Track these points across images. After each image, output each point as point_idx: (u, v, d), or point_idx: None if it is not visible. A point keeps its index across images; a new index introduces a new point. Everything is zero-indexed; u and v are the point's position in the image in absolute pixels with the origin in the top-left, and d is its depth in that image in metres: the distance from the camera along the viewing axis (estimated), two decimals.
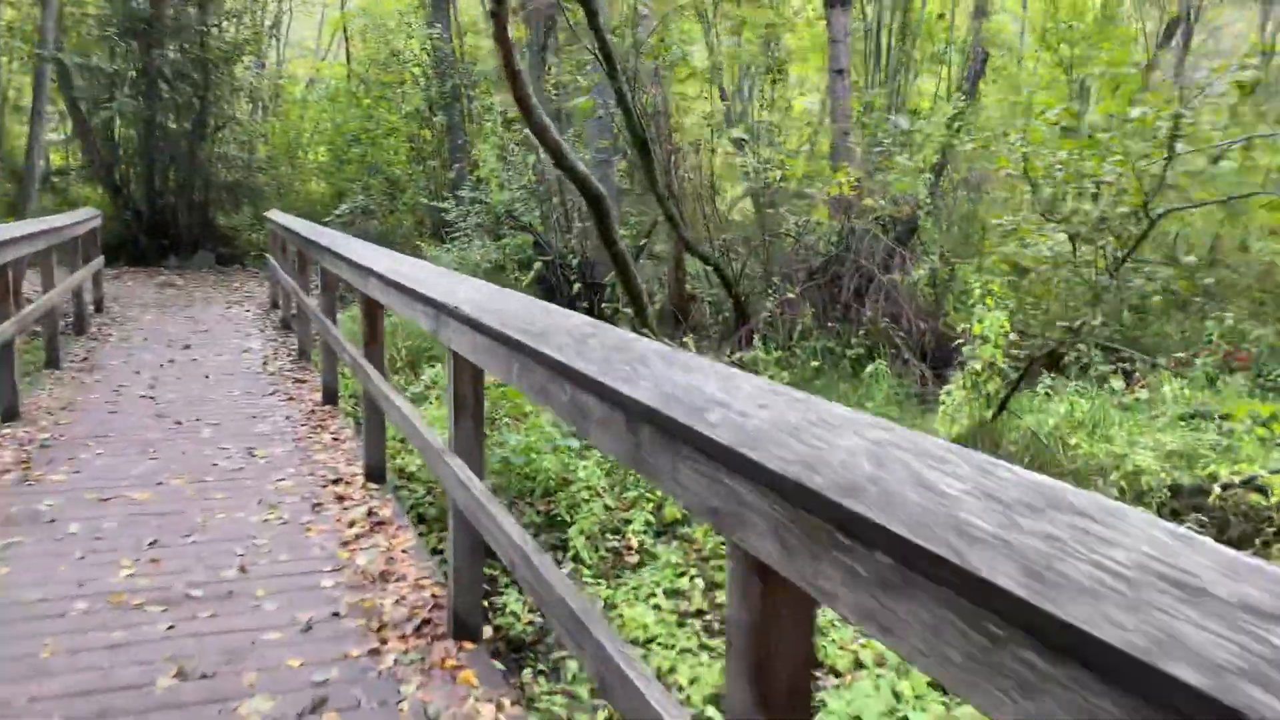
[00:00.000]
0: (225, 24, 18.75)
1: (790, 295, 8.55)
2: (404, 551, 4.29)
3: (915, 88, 15.99)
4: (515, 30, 16.17)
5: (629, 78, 7.39)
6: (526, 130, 11.20)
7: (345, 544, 4.39)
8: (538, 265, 10.97)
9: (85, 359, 8.75)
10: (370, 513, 4.79)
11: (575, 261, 10.75)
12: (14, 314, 6.63)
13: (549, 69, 13.19)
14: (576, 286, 10.69)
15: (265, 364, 8.72)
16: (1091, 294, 5.93)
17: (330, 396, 7.14)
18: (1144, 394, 8.94)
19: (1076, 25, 17.91)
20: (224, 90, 18.75)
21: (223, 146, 18.90)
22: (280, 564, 4.14)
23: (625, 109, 7.38)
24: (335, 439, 6.22)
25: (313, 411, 6.94)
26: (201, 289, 14.88)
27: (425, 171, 16.64)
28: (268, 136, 21.07)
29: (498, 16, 5.74)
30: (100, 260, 11.78)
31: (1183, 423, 7.93)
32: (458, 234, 13.30)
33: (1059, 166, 5.55)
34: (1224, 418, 8.07)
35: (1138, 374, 9.31)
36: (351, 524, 4.63)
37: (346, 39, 26.43)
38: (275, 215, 11.24)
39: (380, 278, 4.26)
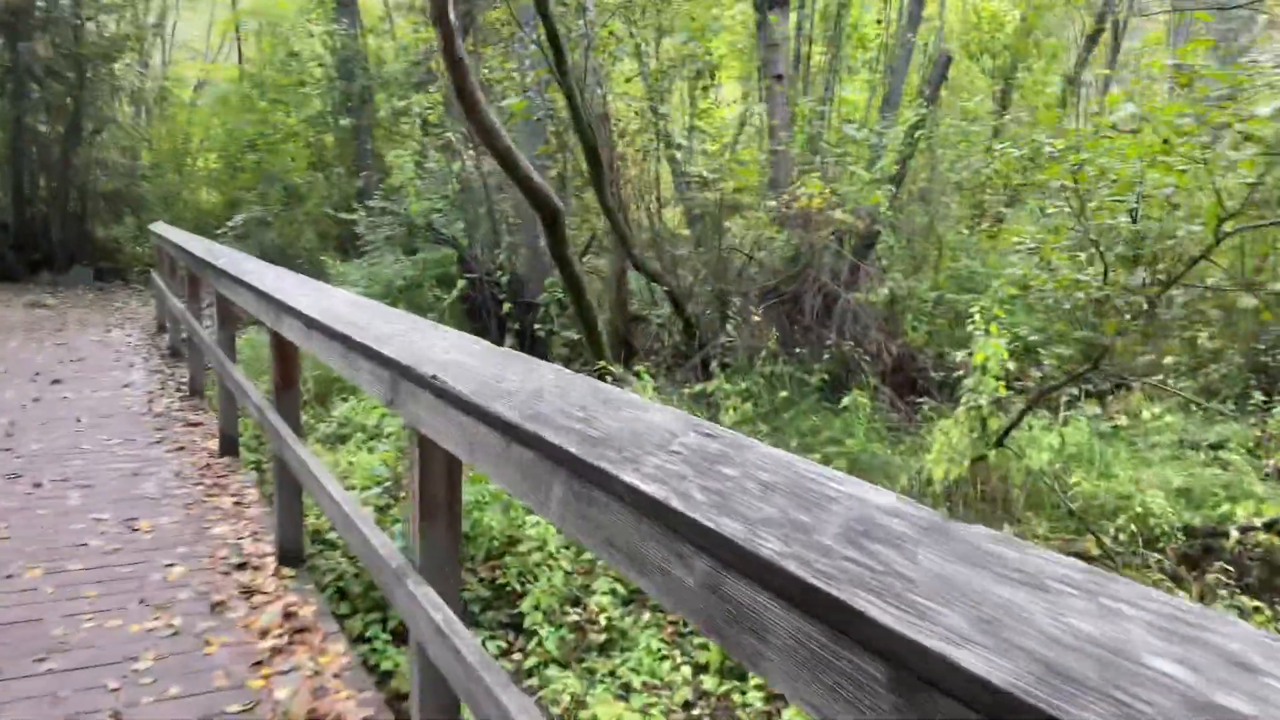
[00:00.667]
0: (103, 18, 17.13)
1: (755, 317, 7.72)
2: (336, 676, 3.28)
3: (840, 96, 15.40)
4: (428, 27, 15.04)
5: (577, 76, 6.47)
6: (448, 135, 10.19)
7: (257, 664, 3.35)
8: (462, 283, 9.93)
9: None
10: (288, 614, 3.75)
11: (504, 279, 9.74)
12: None
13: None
14: (506, 307, 9.69)
15: (150, 402, 7.49)
16: (1128, 319, 5.24)
17: (229, 446, 6.02)
18: (1122, 419, 8.41)
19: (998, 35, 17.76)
20: (102, 90, 17.14)
21: (101, 151, 17.28)
22: (170, 703, 3.08)
23: (574, 109, 6.45)
24: (238, 503, 5.12)
25: (209, 465, 5.81)
26: (77, 309, 13.36)
27: (329, 180, 15.38)
28: (152, 142, 19.43)
29: None
30: None
31: (1176, 455, 7.38)
32: (367, 248, 12.16)
33: (1113, 177, 4.86)
34: (1214, 447, 7.56)
35: (1112, 398, 8.78)
36: (264, 633, 3.58)
37: (239, 39, 24.82)
38: (161, 229, 9.96)
39: (303, 319, 3.25)
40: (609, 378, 6.83)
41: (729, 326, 7.83)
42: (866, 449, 6.61)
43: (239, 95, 19.71)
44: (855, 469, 6.48)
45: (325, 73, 15.37)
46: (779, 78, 11.78)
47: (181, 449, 6.18)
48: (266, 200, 16.19)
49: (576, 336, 8.63)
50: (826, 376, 8.13)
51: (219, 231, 14.49)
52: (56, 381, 8.16)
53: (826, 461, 6.74)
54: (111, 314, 13.01)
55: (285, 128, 17.01)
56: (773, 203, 8.21)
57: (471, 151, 9.59)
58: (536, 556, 5.65)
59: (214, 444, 6.21)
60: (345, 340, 2.73)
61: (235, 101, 19.80)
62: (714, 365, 7.91)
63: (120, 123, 18.35)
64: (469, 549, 5.80)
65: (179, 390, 8.00)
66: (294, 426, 4.05)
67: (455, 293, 9.87)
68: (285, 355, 4.07)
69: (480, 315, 10.18)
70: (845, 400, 7.06)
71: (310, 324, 3.18)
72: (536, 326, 9.69)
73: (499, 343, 10.11)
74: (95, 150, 17.13)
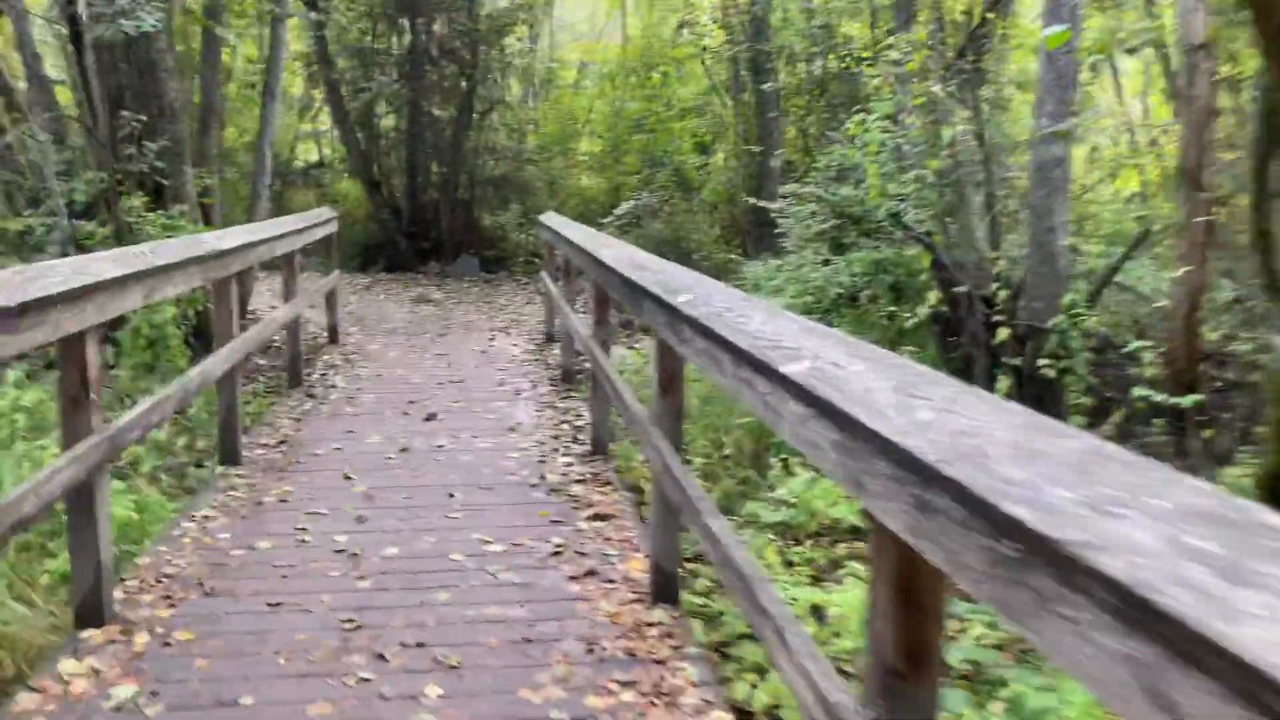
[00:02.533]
0: None
1: None
2: None
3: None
4: None
5: None
6: (934, 91, 7.40)
7: None
8: (934, 295, 7.18)
9: (282, 442, 5.83)
10: None
11: (1001, 293, 6.86)
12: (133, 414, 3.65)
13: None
14: (1002, 333, 6.81)
15: (542, 463, 5.45)
16: None
17: (664, 587, 3.69)
18: None
19: None
20: (493, 69, 16.13)
21: (490, 135, 16.32)
22: None
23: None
24: None
25: (635, 626, 3.50)
26: (461, 306, 12.17)
27: (736, 158, 13.17)
28: (538, 124, 18.40)
29: None
30: (335, 276, 9.12)
31: None
32: (786, 245, 9.76)
33: None
34: None
35: None
36: None
37: (624, 15, 23.66)
38: (554, 222, 8.09)
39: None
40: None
41: None
42: None
43: (624, 72, 18.28)
44: None
45: (730, 33, 13.12)
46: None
47: (590, 574, 3.96)
48: (652, 185, 14.38)
49: (1154, 399, 5.58)
50: None
51: (603, 221, 12.84)
52: (431, 417, 6.42)
53: None
54: (496, 313, 11.63)
55: (679, 103, 15.11)
56: None
57: (968, 113, 6.77)
58: None
59: (635, 568, 3.95)
60: None
61: (620, 78, 18.41)
62: None
63: (509, 103, 17.39)
64: None
65: (575, 440, 5.95)
66: None
67: (926, 309, 7.12)
68: (923, 595, 1.52)
69: (959, 341, 7.36)
70: None
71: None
72: (1040, 362, 6.73)
73: (988, 386, 7.26)
74: (485, 134, 16.23)
